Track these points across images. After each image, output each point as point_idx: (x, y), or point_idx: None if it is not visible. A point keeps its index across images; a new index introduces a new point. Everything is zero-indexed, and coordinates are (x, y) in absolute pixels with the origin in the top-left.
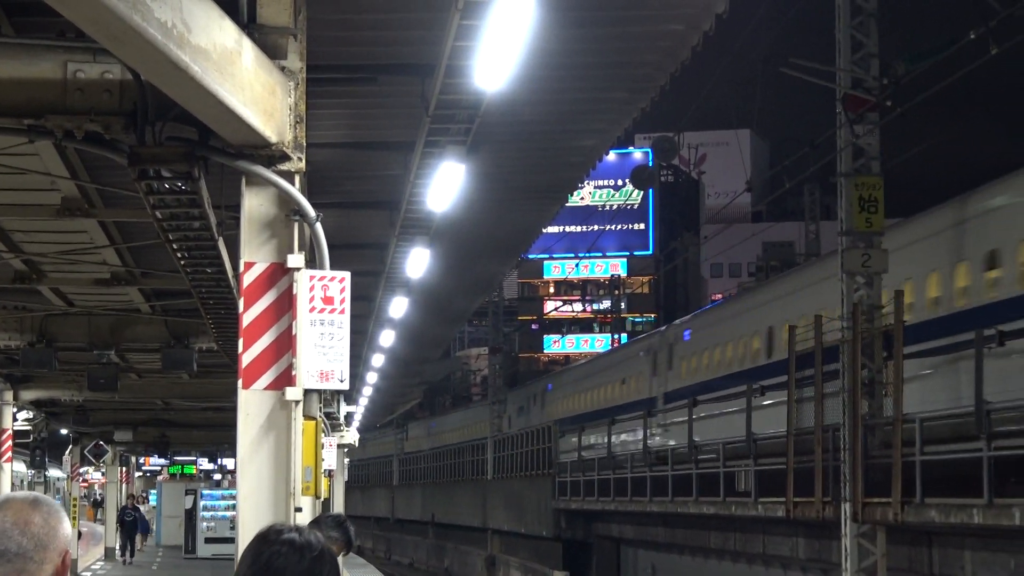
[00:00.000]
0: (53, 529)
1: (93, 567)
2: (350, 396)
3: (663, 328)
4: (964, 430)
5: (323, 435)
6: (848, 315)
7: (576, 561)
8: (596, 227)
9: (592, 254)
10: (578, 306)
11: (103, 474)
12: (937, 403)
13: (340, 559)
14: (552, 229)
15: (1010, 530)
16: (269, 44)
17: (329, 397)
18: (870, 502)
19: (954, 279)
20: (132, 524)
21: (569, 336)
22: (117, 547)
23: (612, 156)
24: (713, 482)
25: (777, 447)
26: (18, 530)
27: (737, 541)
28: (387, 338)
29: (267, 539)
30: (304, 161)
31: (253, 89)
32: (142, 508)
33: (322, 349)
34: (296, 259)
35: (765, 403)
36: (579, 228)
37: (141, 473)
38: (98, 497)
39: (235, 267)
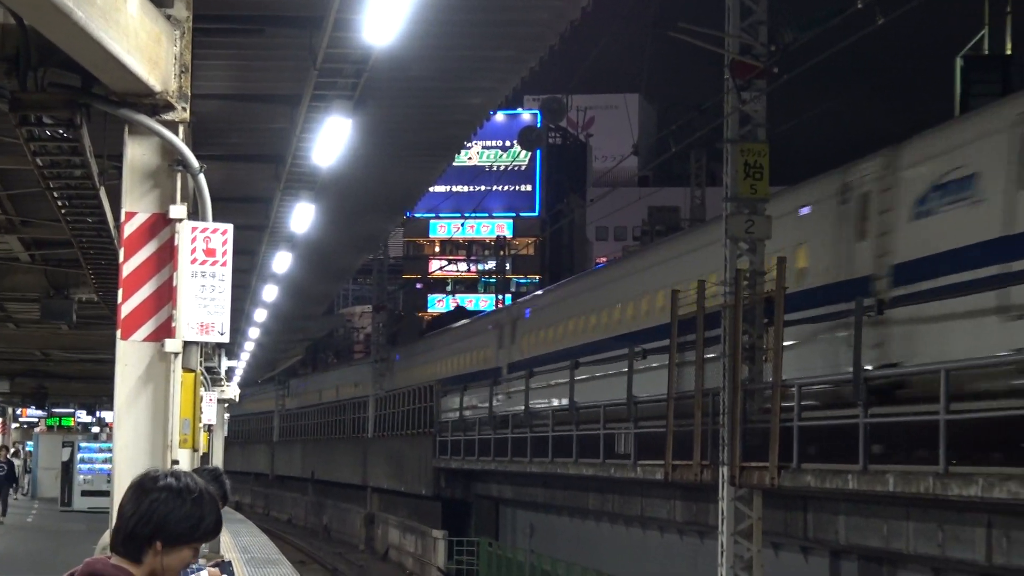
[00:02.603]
0: None
1: None
2: (231, 351)
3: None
4: (842, 397)
5: (203, 389)
6: (731, 281)
7: (455, 520)
8: (483, 187)
9: (478, 214)
10: (463, 266)
11: None
12: (816, 370)
13: None
14: (439, 188)
15: (883, 496)
16: None
17: (210, 351)
18: (747, 466)
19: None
20: (5, 479)
21: (453, 296)
22: None
23: (500, 117)
24: (593, 444)
25: (657, 410)
26: None
27: (616, 503)
28: (270, 293)
29: (143, 487)
30: (189, 111)
31: (138, 37)
32: (23, 460)
33: (203, 301)
34: (178, 210)
35: (646, 366)
36: (466, 188)
37: (18, 425)
38: None
39: (116, 217)
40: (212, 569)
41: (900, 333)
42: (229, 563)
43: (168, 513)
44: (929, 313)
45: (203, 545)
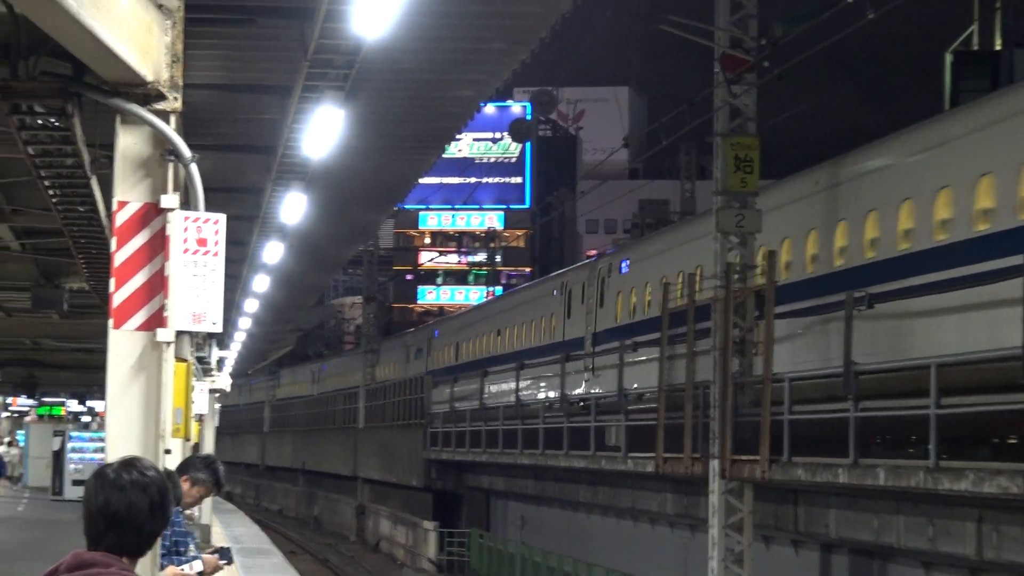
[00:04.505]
0: None
1: None
2: (222, 341)
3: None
4: (832, 391)
5: (194, 379)
6: (721, 274)
7: (446, 511)
8: (473, 179)
9: (468, 206)
10: (453, 258)
11: None
12: (807, 363)
13: (209, 500)
14: (430, 180)
15: (873, 490)
16: None
17: (201, 341)
18: (738, 459)
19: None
20: None
21: (443, 287)
22: None
23: (491, 109)
24: (584, 436)
25: (648, 403)
26: None
27: (606, 495)
28: (261, 283)
29: (87, 485)
30: (180, 101)
31: (130, 26)
32: (13, 450)
33: (195, 291)
34: (170, 199)
35: (638, 359)
36: (456, 180)
37: (8, 414)
38: None
39: (108, 206)
40: (208, 556)
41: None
42: (228, 549)
43: (165, 509)
44: None
45: (197, 533)
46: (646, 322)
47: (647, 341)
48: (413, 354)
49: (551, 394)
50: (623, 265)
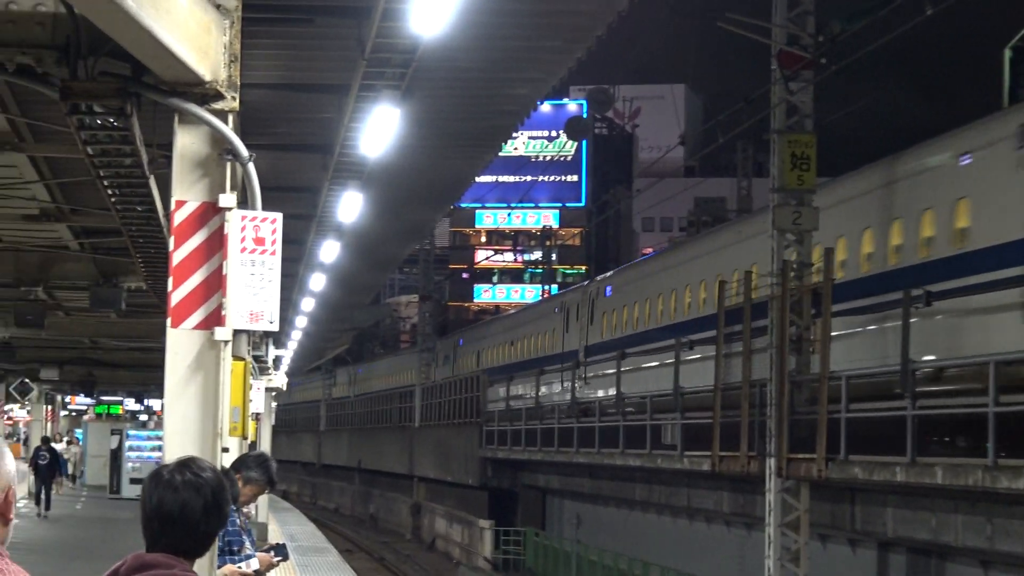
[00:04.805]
0: None
1: (17, 505)
2: (279, 340)
3: (585, 282)
4: (889, 388)
5: (251, 377)
6: (778, 272)
7: (502, 510)
8: (529, 178)
9: (524, 204)
10: (509, 256)
11: (28, 412)
12: (864, 361)
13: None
14: (485, 178)
15: (931, 488)
16: None
17: (258, 340)
18: (795, 458)
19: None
20: (48, 468)
21: (499, 286)
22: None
23: (547, 107)
24: (640, 435)
25: (704, 401)
26: None
27: (662, 494)
28: (317, 282)
29: (144, 486)
30: (238, 101)
31: (188, 26)
32: (74, 448)
33: (252, 290)
34: (228, 199)
35: (693, 357)
36: (512, 178)
37: (67, 412)
38: (22, 436)
39: (166, 206)
40: (263, 555)
41: None
42: (283, 545)
43: (222, 508)
44: None
45: (253, 531)
46: (629, 337)
47: (703, 339)
48: (441, 360)
49: (611, 392)
50: (607, 290)
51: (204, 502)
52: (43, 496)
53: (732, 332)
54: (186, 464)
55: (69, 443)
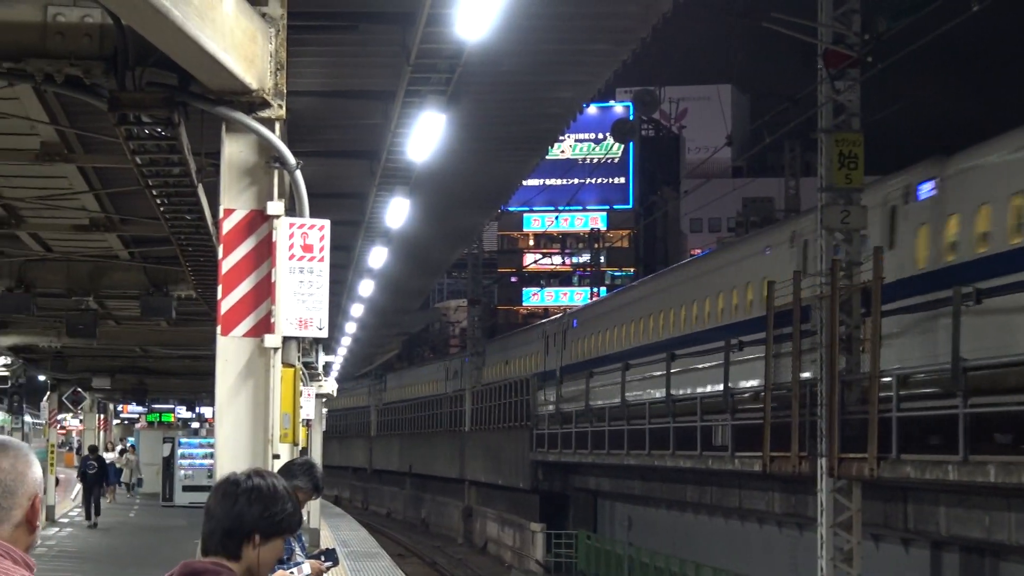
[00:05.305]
0: (21, 474)
1: (71, 514)
2: (328, 346)
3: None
4: (940, 387)
5: (301, 384)
6: (827, 271)
7: (553, 513)
8: (576, 180)
9: (572, 207)
10: (557, 259)
11: (81, 421)
12: (914, 360)
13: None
14: (532, 182)
15: (984, 487)
16: None
17: (308, 346)
18: (846, 457)
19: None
20: (96, 478)
21: (548, 289)
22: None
23: (593, 109)
24: (690, 436)
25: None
26: None
27: (713, 495)
28: (366, 288)
29: (230, 490)
30: (285, 108)
31: (234, 35)
32: (131, 456)
33: (301, 297)
34: (276, 206)
35: (743, 358)
36: (559, 181)
37: (119, 421)
38: (75, 445)
39: (214, 214)
40: (313, 561)
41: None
42: (333, 550)
43: (263, 508)
44: None
45: (305, 537)
46: (594, 359)
47: (752, 340)
48: (451, 375)
49: (657, 393)
50: (574, 322)
51: (254, 509)
52: (93, 506)
53: (782, 333)
54: (252, 474)
55: (123, 452)
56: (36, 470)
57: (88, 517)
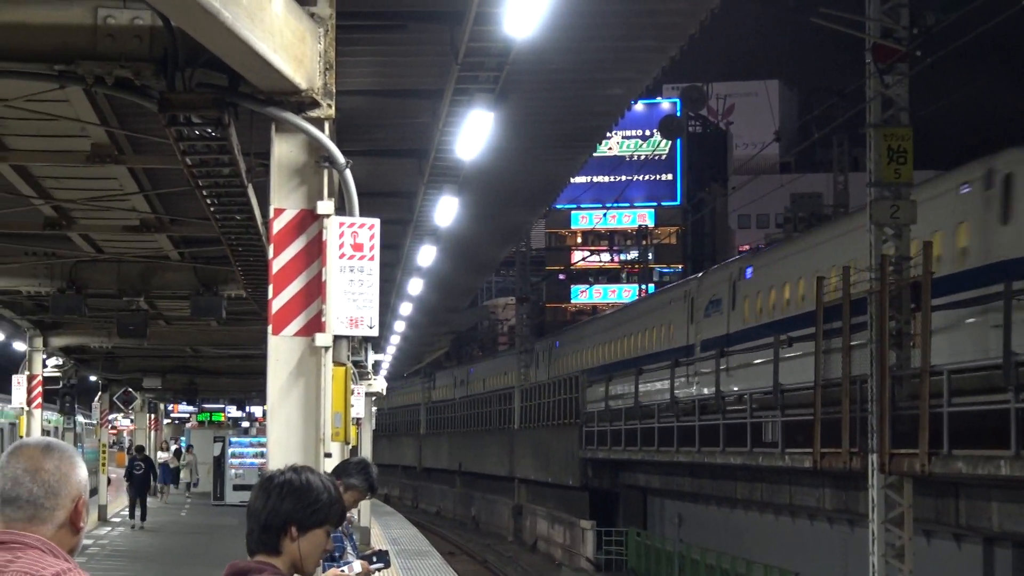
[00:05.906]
0: (65, 475)
1: (123, 513)
2: (378, 344)
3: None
4: (992, 382)
5: (352, 382)
6: (876, 267)
7: (603, 510)
8: (624, 177)
9: (620, 204)
10: (605, 256)
11: (132, 421)
12: (965, 355)
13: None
14: (580, 179)
15: None
16: None
17: (357, 345)
18: (897, 453)
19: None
20: (143, 478)
21: (596, 286)
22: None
23: (640, 106)
24: (740, 433)
25: (804, 398)
26: (29, 477)
27: (764, 492)
28: (415, 287)
29: (266, 485)
30: (334, 108)
31: (283, 35)
32: (188, 456)
33: (351, 295)
34: (326, 206)
35: (793, 354)
36: (607, 178)
37: (170, 420)
38: (126, 445)
39: (264, 214)
40: (363, 562)
41: None
42: (385, 552)
43: (295, 501)
44: None
45: (356, 536)
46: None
47: (802, 336)
48: (458, 383)
49: (706, 390)
50: (556, 344)
51: (287, 503)
52: (140, 507)
53: (831, 328)
54: (296, 469)
55: (179, 452)
56: (81, 472)
57: (132, 517)
